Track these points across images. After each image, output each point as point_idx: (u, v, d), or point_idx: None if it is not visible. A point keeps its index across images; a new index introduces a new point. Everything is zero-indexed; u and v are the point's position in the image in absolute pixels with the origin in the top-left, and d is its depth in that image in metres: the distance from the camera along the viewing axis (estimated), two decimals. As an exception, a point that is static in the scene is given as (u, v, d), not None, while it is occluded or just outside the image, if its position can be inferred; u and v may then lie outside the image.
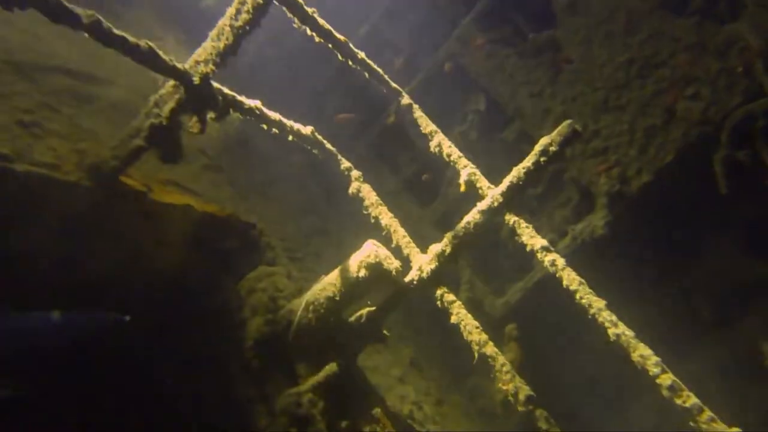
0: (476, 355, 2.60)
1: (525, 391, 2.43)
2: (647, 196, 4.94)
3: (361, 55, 3.22)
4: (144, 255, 2.68)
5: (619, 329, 2.33)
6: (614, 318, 2.38)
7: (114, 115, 3.04)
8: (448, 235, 2.84)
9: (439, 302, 2.81)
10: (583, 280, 2.49)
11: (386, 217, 3.25)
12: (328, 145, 3.63)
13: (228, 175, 4.43)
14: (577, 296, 2.46)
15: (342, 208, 5.83)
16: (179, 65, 2.19)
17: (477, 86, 6.27)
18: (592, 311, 2.41)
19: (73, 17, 1.59)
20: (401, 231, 3.16)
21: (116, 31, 1.79)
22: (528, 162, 2.66)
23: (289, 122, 3.21)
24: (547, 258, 2.57)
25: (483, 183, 2.93)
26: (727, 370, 4.97)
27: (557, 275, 2.53)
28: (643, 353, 2.23)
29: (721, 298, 5.18)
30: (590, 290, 2.46)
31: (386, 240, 3.13)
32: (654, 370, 2.18)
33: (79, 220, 2.24)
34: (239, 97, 2.68)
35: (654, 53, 5.02)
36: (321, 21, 2.78)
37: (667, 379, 2.13)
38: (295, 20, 2.67)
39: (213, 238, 3.13)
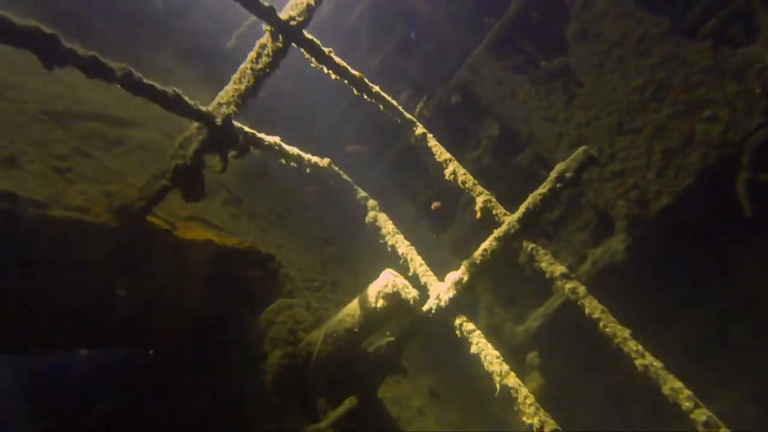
0: (498, 386, 2.54)
1: (551, 425, 2.35)
2: (668, 219, 4.85)
3: (376, 88, 3.32)
4: (167, 291, 2.74)
5: (646, 360, 2.24)
6: (640, 348, 2.29)
7: (142, 156, 3.19)
8: (466, 263, 2.82)
9: (458, 332, 2.77)
10: (605, 308, 2.43)
11: (403, 246, 3.26)
12: (345, 176, 3.70)
13: (247, 207, 4.54)
14: (600, 325, 2.40)
15: (359, 236, 5.87)
16: (203, 108, 2.29)
17: (490, 112, 6.35)
18: (616, 340, 2.34)
19: (108, 72, 1.70)
20: (418, 259, 3.16)
21: (146, 81, 1.90)
22: (544, 188, 2.66)
23: (306, 155, 3.30)
24: (568, 286, 2.53)
25: (499, 210, 2.93)
26: (764, 398, 4.72)
27: (578, 303, 2.48)
28: (674, 386, 2.13)
29: (751, 323, 4.97)
30: (613, 318, 2.40)
31: (403, 268, 3.13)
32: (687, 405, 2.06)
33: (106, 260, 2.33)
34: (259, 135, 2.78)
35: (667, 77, 5.03)
36: (337, 59, 2.90)
37: (701, 415, 2.01)
38: (313, 60, 2.79)
39: (233, 271, 3.19)
